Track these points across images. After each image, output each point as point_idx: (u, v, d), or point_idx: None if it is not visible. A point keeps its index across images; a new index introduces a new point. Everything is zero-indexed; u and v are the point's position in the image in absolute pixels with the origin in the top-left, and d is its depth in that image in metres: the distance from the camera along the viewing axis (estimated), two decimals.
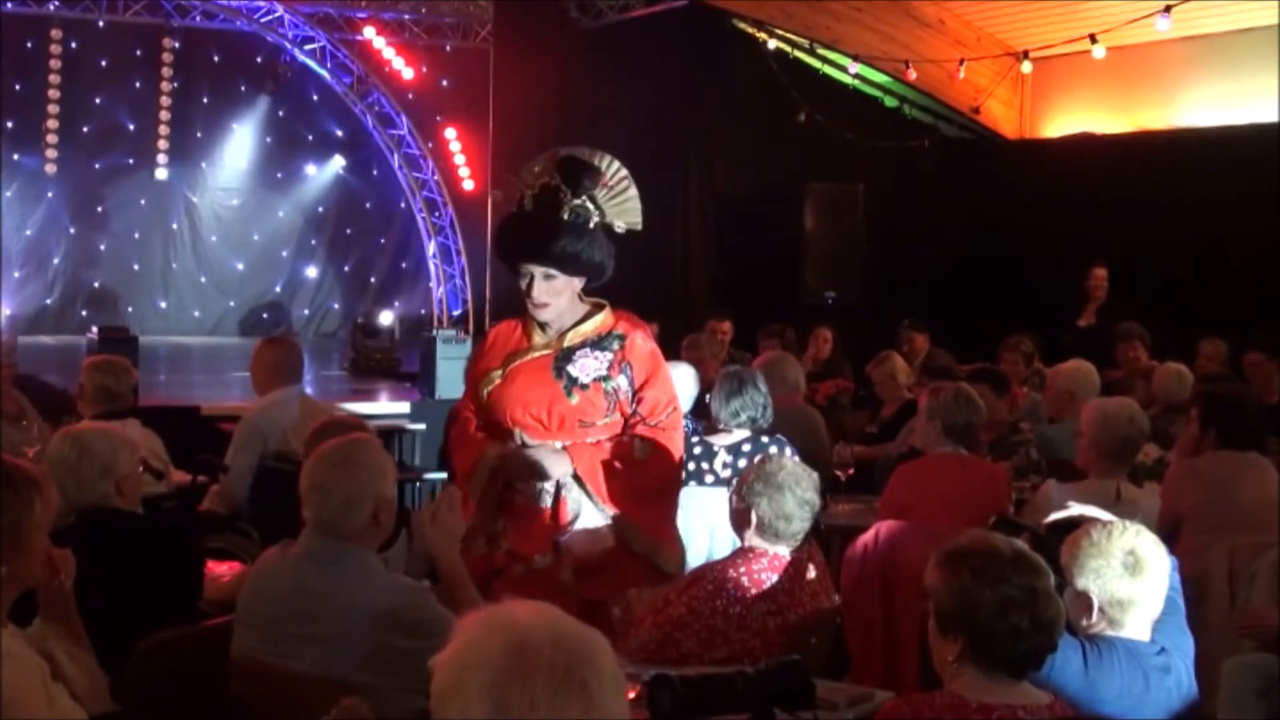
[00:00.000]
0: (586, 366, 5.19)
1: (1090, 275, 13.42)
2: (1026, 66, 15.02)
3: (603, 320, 5.30)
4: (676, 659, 4.75)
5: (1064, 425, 7.95)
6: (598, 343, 5.24)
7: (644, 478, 5.23)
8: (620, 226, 5.26)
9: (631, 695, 2.47)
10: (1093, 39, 13.18)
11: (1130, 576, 4.01)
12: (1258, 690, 5.76)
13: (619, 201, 5.26)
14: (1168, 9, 12.23)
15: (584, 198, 5.14)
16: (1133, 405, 7.05)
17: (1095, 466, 6.63)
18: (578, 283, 5.24)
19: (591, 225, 5.15)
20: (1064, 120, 15.77)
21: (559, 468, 5.14)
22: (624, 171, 5.28)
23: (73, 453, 4.94)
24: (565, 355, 5.21)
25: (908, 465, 7.15)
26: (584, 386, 5.18)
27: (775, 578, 5.10)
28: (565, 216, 5.10)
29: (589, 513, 5.18)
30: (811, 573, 5.33)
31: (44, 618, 3.99)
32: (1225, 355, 10.63)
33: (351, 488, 4.25)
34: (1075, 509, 4.29)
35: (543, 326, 5.27)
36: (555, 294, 5.18)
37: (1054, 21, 14.23)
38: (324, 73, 19.12)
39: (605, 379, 5.19)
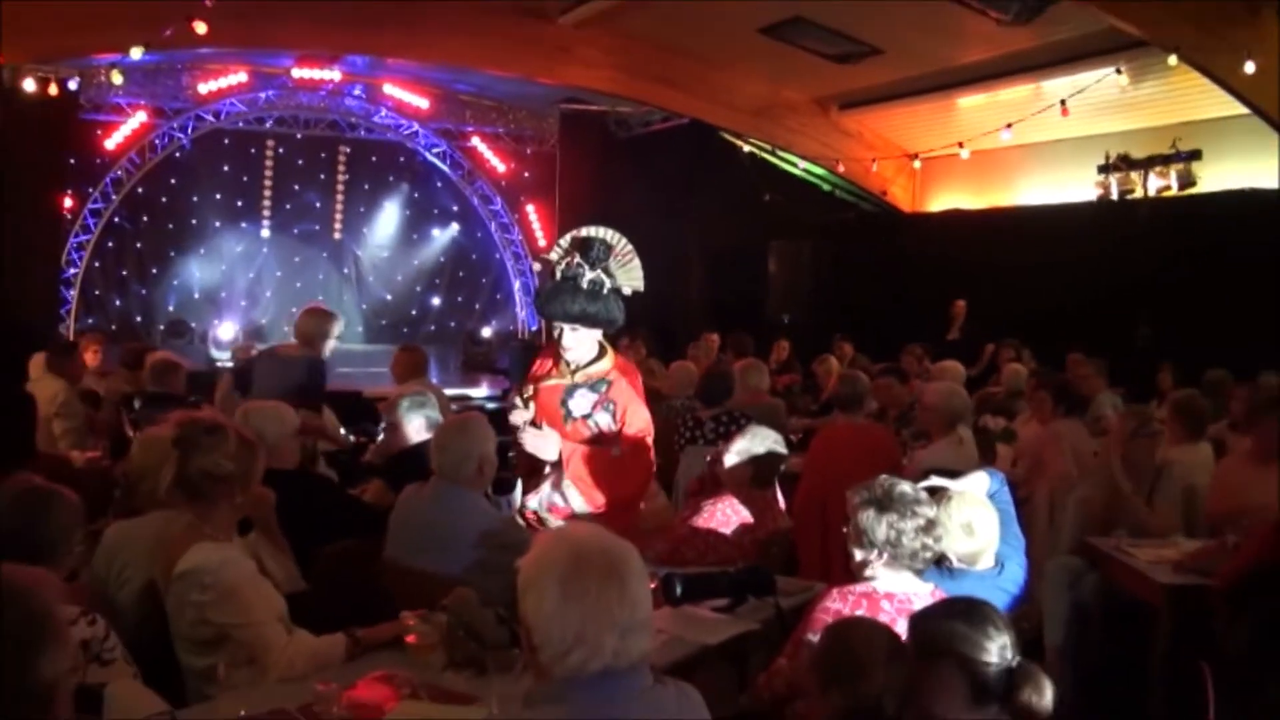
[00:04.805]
0: (580, 404, 5.00)
1: (953, 305, 13.44)
2: (917, 164, 15.02)
3: (603, 366, 5.07)
4: (681, 563, 4.75)
5: None
6: (594, 385, 5.02)
7: (618, 471, 4.98)
8: (628, 290, 5.02)
9: (652, 586, 2.47)
10: (960, 145, 13.14)
11: (968, 537, 3.99)
12: (1068, 583, 5.79)
13: (626, 270, 5.00)
14: (1009, 125, 12.21)
15: (599, 270, 4.90)
16: (954, 387, 7.07)
17: (938, 429, 6.58)
18: (597, 332, 5.02)
19: (605, 291, 4.91)
20: (941, 199, 15.73)
21: (548, 452, 4.95)
22: (629, 246, 5.02)
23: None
24: (570, 391, 5.01)
25: (820, 431, 7.13)
26: (575, 419, 5.00)
27: (750, 509, 5.10)
28: (584, 287, 4.87)
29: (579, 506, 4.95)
30: (772, 505, 5.33)
31: (257, 531, 4.00)
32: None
33: (464, 447, 4.27)
34: (935, 480, 4.21)
35: (566, 360, 5.05)
36: (579, 342, 4.97)
37: (934, 133, 14.20)
38: (444, 168, 19.10)
39: (588, 416, 4.99)
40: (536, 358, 5.37)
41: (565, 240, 5.06)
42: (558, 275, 4.97)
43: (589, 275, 4.89)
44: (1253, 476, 5.61)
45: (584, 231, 5.04)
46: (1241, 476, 5.73)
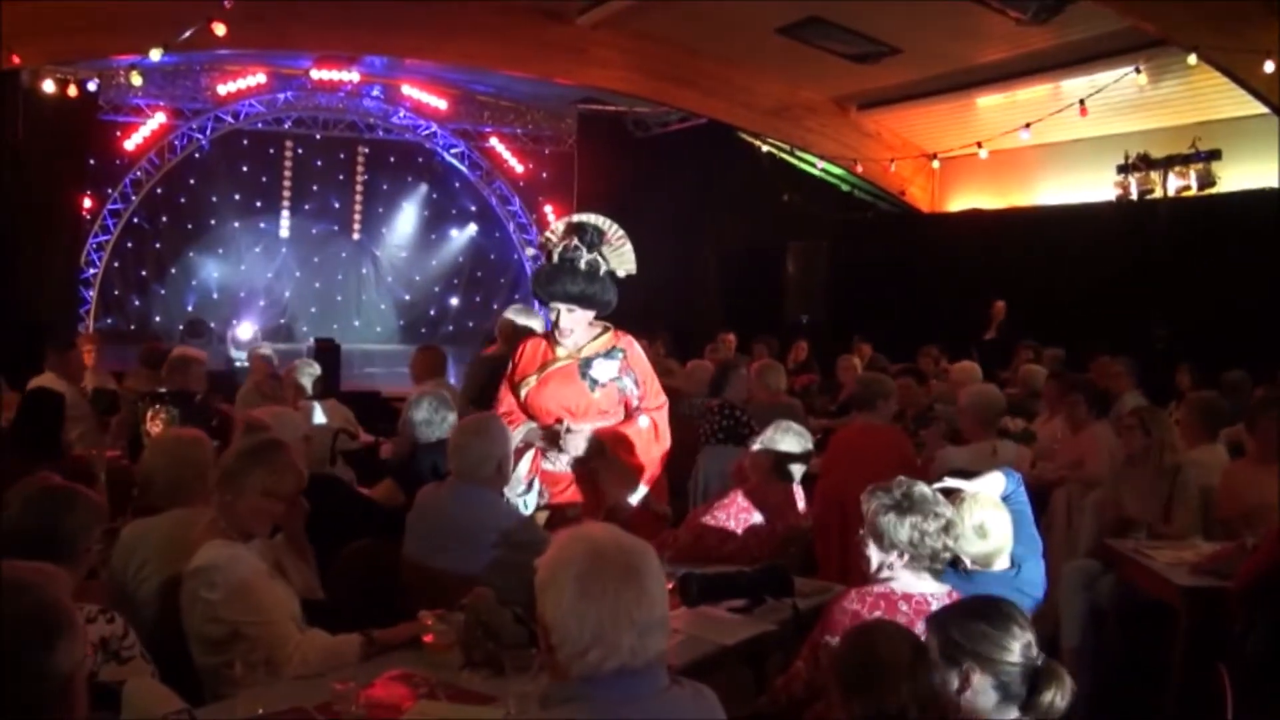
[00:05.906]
0: (604, 371, 5.11)
1: (992, 305, 13.38)
2: (935, 163, 14.97)
3: (608, 339, 5.19)
4: (701, 554, 4.78)
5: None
6: (607, 354, 5.15)
7: (644, 443, 5.13)
8: (621, 273, 5.12)
9: (669, 587, 2.48)
10: (979, 145, 13.11)
11: (981, 539, 3.96)
12: (1083, 584, 5.78)
13: (619, 254, 5.10)
14: (1028, 125, 12.17)
15: (595, 253, 5.01)
16: (991, 388, 7.03)
17: (974, 432, 6.53)
18: (590, 314, 5.13)
19: (601, 274, 5.02)
20: (960, 199, 15.69)
21: (574, 448, 5.04)
22: (621, 231, 5.12)
23: None
24: (585, 364, 5.11)
25: (837, 432, 7.11)
26: (603, 385, 5.11)
27: (770, 501, 5.13)
28: (582, 268, 4.97)
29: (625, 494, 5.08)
30: (792, 503, 5.34)
31: (284, 535, 4.02)
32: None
33: (482, 448, 4.29)
34: (949, 482, 4.18)
35: (563, 344, 5.16)
36: (575, 322, 5.08)
37: (953, 133, 14.16)
38: (463, 168, 19.13)
39: (617, 379, 5.14)
40: (519, 347, 5.40)
41: (560, 225, 5.17)
42: (555, 258, 5.05)
43: (586, 257, 5.00)
44: (1255, 478, 5.59)
45: (576, 217, 5.17)
46: (1244, 478, 5.71)
